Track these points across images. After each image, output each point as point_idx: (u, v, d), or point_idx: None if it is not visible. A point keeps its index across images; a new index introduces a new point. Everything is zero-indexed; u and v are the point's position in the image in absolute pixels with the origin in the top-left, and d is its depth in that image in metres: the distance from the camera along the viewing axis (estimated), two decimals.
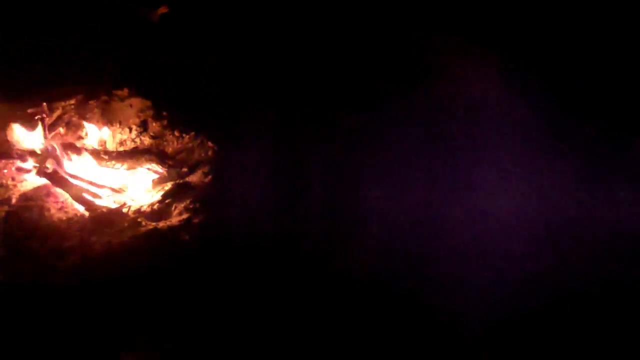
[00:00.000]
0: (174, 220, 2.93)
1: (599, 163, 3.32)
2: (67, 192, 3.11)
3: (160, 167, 3.29)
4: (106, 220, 2.96)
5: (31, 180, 3.19)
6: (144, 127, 3.53)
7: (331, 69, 3.91)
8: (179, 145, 3.41)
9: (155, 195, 3.15)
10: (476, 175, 3.25)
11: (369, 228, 2.95)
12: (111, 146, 3.48)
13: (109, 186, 3.20)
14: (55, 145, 3.29)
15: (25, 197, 3.07)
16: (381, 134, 3.48)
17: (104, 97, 3.67)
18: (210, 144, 3.34)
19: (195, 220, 2.90)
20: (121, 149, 3.46)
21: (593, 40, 3.83)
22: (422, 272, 2.77)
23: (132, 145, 3.46)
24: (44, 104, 3.46)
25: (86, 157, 3.29)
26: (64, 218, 2.97)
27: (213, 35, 4.22)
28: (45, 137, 3.32)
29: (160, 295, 2.62)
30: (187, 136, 3.43)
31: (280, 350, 2.47)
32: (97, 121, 3.57)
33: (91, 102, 3.68)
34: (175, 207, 3.01)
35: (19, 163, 3.27)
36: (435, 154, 3.37)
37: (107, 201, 3.12)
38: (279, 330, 2.53)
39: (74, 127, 3.55)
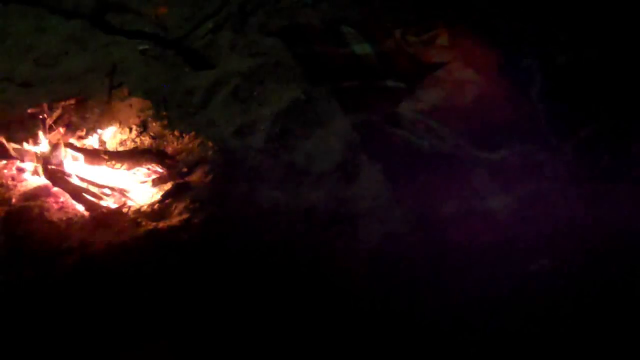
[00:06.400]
0: (174, 220, 2.93)
1: (599, 163, 3.32)
2: (67, 192, 3.11)
3: (160, 167, 3.30)
4: (106, 220, 2.97)
5: (31, 180, 3.19)
6: (144, 127, 3.54)
7: (331, 68, 3.91)
8: (179, 145, 3.41)
9: (155, 195, 3.15)
10: (475, 174, 3.25)
11: (369, 228, 2.95)
12: (111, 146, 3.49)
13: (109, 186, 3.20)
14: (55, 145, 3.29)
15: (25, 197, 3.07)
16: (381, 133, 3.48)
17: (104, 97, 3.68)
18: (210, 144, 3.34)
19: (195, 220, 2.90)
20: (121, 149, 3.46)
21: (593, 40, 3.83)
22: (421, 272, 2.77)
23: (132, 145, 3.46)
24: (44, 104, 3.46)
25: (86, 157, 3.29)
26: (64, 218, 2.97)
27: (213, 34, 4.23)
28: (45, 137, 3.32)
29: (160, 296, 2.62)
30: (187, 136, 3.43)
31: (280, 351, 2.47)
32: (97, 121, 3.57)
33: (91, 102, 3.69)
34: (175, 207, 3.01)
35: (18, 163, 3.27)
36: (434, 153, 3.37)
37: (107, 201, 3.12)
38: (278, 331, 2.53)
39: (74, 127, 3.56)
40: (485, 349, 2.51)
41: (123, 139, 3.50)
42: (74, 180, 3.16)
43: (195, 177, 3.19)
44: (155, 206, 3.05)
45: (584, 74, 3.72)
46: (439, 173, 3.25)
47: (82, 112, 3.64)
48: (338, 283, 2.71)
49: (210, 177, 3.14)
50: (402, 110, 3.59)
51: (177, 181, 3.17)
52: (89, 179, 3.20)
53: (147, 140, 3.47)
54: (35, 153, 3.27)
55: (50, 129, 3.40)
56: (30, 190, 3.11)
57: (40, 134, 3.33)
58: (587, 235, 2.93)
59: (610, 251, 2.87)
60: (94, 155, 3.32)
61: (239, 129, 3.49)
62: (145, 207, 3.05)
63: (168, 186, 3.17)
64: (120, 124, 3.56)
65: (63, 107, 3.62)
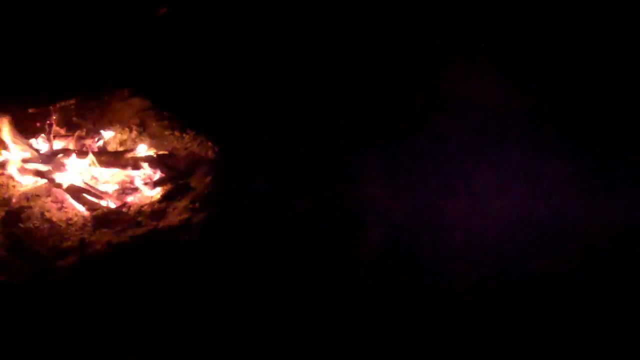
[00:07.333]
0: (174, 220, 2.93)
1: (599, 163, 3.32)
2: (67, 192, 3.11)
3: (160, 167, 3.29)
4: (106, 220, 2.97)
5: (31, 180, 3.20)
6: (144, 127, 3.54)
7: (332, 68, 3.91)
8: (179, 145, 3.41)
9: (155, 195, 3.15)
10: (475, 175, 3.25)
11: (369, 228, 2.96)
12: (111, 146, 3.49)
13: (108, 186, 3.20)
14: (56, 146, 3.29)
15: (25, 197, 3.07)
16: (381, 133, 3.48)
17: (104, 97, 3.68)
18: (210, 144, 3.34)
19: (195, 220, 2.90)
20: (121, 149, 3.46)
21: (593, 40, 3.83)
22: (422, 273, 2.77)
23: (132, 145, 3.46)
24: (44, 104, 3.46)
25: (86, 157, 3.29)
26: (64, 218, 2.97)
27: (213, 34, 4.23)
28: (46, 137, 3.33)
29: (160, 296, 2.62)
30: (187, 136, 3.43)
31: (280, 351, 2.47)
32: (97, 121, 3.57)
33: (91, 102, 3.68)
34: (175, 207, 3.01)
35: (19, 163, 3.27)
36: (434, 153, 3.38)
37: (107, 201, 3.12)
38: (279, 332, 2.53)
39: (74, 127, 3.56)
40: (486, 349, 2.51)
41: (123, 139, 3.50)
42: (75, 181, 3.16)
43: (195, 177, 3.19)
44: (155, 206, 3.05)
45: (584, 74, 3.72)
46: (439, 173, 3.25)
47: (82, 112, 3.64)
48: (339, 284, 2.71)
49: (210, 177, 3.14)
50: (401, 110, 3.59)
51: (177, 181, 3.17)
52: (89, 179, 3.21)
53: (147, 140, 3.47)
54: (36, 153, 3.27)
55: (50, 129, 3.40)
56: (30, 190, 3.11)
57: (41, 134, 3.33)
58: (587, 235, 2.93)
59: (611, 251, 2.87)
60: (94, 156, 3.33)
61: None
62: (145, 207, 3.05)
63: (168, 186, 3.17)
64: (120, 124, 3.56)
65: (63, 107, 3.62)
